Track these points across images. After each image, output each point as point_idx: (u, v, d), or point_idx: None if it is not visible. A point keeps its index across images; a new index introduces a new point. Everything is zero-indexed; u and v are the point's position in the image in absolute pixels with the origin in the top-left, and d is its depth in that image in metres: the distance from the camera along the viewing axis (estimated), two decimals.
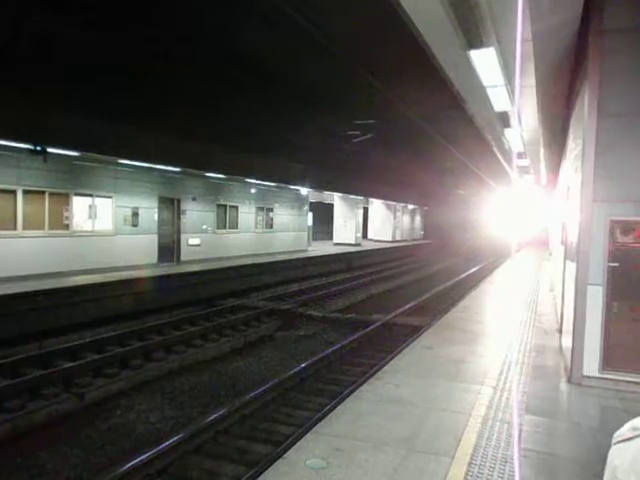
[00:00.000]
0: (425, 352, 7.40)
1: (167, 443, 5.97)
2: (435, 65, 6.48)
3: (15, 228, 13.43)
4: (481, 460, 4.07)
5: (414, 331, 11.72)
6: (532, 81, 7.44)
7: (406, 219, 45.29)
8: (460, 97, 8.04)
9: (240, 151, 17.16)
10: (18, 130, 11.60)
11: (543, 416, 5.09)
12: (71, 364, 8.91)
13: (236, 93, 11.40)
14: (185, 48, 9.13)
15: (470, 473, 3.85)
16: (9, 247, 13.16)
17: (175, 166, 17.18)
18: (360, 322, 13.12)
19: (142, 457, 5.65)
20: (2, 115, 10.72)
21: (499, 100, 8.18)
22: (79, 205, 15.28)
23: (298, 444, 4.33)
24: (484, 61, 6.25)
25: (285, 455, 4.13)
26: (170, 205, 18.89)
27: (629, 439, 1.79)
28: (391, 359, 7.35)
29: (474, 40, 5.58)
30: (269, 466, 4.03)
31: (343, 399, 6.09)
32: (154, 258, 17.92)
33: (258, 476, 3.90)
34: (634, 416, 1.87)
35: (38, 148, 12.96)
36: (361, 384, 6.56)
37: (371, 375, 6.76)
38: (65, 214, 14.90)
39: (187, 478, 5.72)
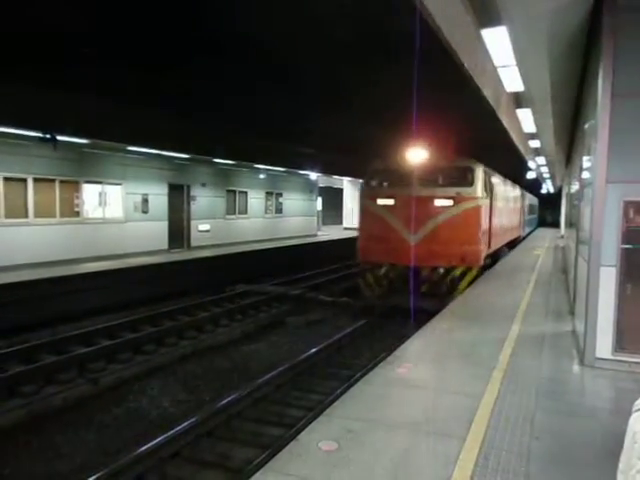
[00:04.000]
0: (437, 335, 7.40)
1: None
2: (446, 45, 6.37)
3: (27, 216, 13.54)
4: (493, 443, 4.07)
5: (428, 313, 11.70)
6: (544, 61, 7.31)
7: None
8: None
9: (246, 135, 17.02)
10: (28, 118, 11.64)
11: (556, 399, 5.07)
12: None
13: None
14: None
15: (482, 455, 3.85)
16: (21, 235, 13.28)
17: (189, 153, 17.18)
18: (371, 306, 13.13)
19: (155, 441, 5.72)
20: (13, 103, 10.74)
21: (511, 80, 8.04)
22: (89, 192, 15.36)
23: (310, 426, 4.36)
24: (496, 40, 6.13)
25: (298, 437, 4.15)
26: (180, 191, 18.94)
27: None
28: (402, 342, 7.35)
29: (485, 18, 5.47)
30: (282, 448, 4.06)
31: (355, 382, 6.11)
32: (164, 244, 18.02)
33: (271, 458, 3.92)
34: None
35: (48, 136, 13.00)
36: (372, 367, 6.57)
37: (382, 359, 6.76)
38: (75, 202, 14.99)
39: (201, 461, 5.78)
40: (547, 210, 50.85)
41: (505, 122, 12.56)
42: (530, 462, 3.79)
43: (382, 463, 3.72)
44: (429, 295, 12.02)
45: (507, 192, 18.81)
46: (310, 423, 4.54)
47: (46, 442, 6.26)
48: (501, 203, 16.30)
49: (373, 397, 5.00)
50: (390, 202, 12.38)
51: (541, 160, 22.38)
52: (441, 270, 12.07)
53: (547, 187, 44.65)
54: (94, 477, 5.02)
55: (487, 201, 12.99)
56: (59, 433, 6.49)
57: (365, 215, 13.04)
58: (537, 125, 12.89)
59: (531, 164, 24.90)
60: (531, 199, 36.24)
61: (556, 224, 44.55)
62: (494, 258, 15.72)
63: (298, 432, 4.37)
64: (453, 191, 12.03)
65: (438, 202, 12.01)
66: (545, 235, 35.20)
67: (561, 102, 10.11)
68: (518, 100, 10.51)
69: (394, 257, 12.16)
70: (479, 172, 12.40)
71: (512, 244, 21.88)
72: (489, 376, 5.63)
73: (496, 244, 15.25)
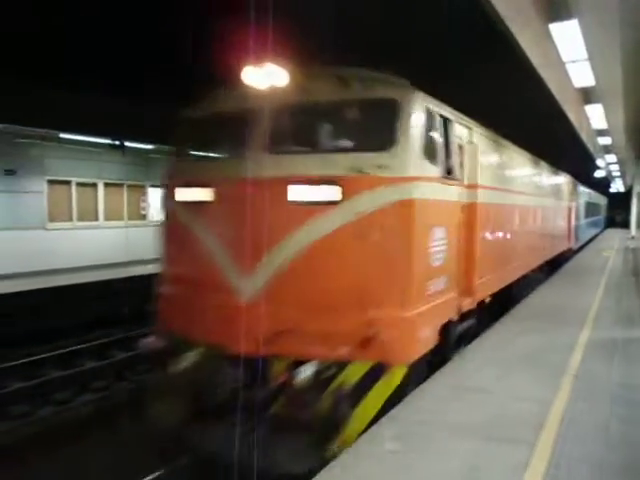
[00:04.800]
0: (503, 338, 7.20)
1: None
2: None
3: (97, 219, 14.22)
4: (564, 451, 3.91)
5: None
6: (617, 52, 6.99)
7: None
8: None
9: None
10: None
11: (631, 407, 4.82)
12: None
13: None
14: None
15: (553, 464, 3.71)
16: (91, 237, 13.92)
17: None
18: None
19: None
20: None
21: (580, 76, 7.73)
22: (154, 196, 15.95)
23: (374, 427, 4.34)
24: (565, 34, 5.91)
25: (362, 437, 4.15)
26: None
27: None
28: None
29: (554, 12, 5.29)
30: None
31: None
32: None
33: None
34: None
35: (117, 143, 13.63)
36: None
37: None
38: (142, 205, 15.62)
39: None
40: (616, 210, 48.52)
41: (573, 118, 12.08)
42: (604, 473, 3.62)
43: (447, 467, 3.66)
44: (290, 425, 4.83)
45: (530, 178, 11.10)
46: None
47: None
48: (513, 198, 9.15)
49: (437, 400, 4.93)
50: (202, 197, 5.54)
51: (611, 158, 21.35)
52: (312, 369, 4.73)
53: (616, 186, 42.62)
54: None
55: (455, 190, 6.11)
56: None
57: (167, 230, 6.15)
58: (608, 121, 12.32)
59: (600, 162, 23.80)
60: (593, 196, 29.74)
61: (626, 224, 42.40)
62: (504, 300, 8.90)
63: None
64: (345, 164, 4.92)
65: (303, 193, 4.99)
66: (614, 236, 33.53)
67: (634, 95, 9.61)
68: (587, 96, 10.08)
69: (209, 331, 5.25)
70: (415, 113, 5.14)
71: (552, 263, 14.64)
72: (558, 382, 5.42)
73: (496, 282, 8.05)
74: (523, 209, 10.04)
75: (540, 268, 12.59)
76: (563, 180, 16.25)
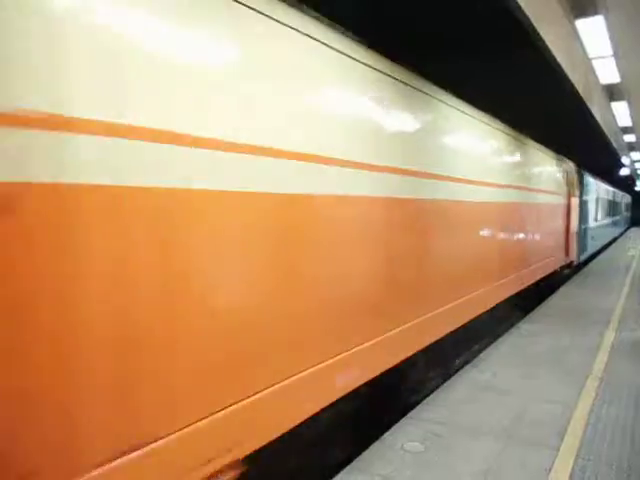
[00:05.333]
0: (525, 338, 7.12)
1: None
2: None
3: None
4: (590, 455, 3.86)
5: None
6: None
7: None
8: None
9: None
10: None
11: None
12: None
13: None
14: None
15: (577, 468, 3.67)
16: None
17: None
18: None
19: None
20: None
21: (605, 72, 7.60)
22: None
23: (395, 427, 4.33)
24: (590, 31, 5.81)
25: (382, 438, 4.15)
26: None
27: None
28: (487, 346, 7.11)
29: (580, 8, 5.21)
30: (366, 448, 4.05)
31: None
32: None
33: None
34: None
35: None
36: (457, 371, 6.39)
37: (467, 362, 6.58)
38: None
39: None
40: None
41: (597, 115, 11.88)
42: (631, 478, 3.56)
43: (469, 469, 3.64)
44: None
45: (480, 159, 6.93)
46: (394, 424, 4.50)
47: None
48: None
49: (458, 401, 4.90)
50: None
51: (636, 156, 20.95)
52: None
53: None
54: None
55: None
56: None
57: None
58: (632, 118, 12.08)
59: (625, 160, 23.36)
60: (610, 192, 24.50)
61: None
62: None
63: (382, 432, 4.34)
64: None
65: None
66: (636, 236, 32.92)
67: None
68: (612, 92, 9.90)
69: None
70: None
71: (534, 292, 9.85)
72: (582, 384, 5.35)
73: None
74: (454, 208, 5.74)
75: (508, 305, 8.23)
76: (557, 167, 11.37)
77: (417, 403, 4.91)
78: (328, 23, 3.61)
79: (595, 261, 17.19)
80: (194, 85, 2.56)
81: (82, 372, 2.11)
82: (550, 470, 3.63)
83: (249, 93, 2.90)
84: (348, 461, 3.77)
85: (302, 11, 3.33)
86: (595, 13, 5.39)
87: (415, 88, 4.83)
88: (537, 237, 9.68)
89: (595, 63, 7.17)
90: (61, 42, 2.00)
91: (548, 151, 10.70)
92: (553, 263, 11.11)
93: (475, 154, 6.62)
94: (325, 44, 3.54)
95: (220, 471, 2.69)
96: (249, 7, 2.86)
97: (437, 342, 5.27)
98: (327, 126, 3.59)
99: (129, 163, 2.25)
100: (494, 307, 7.15)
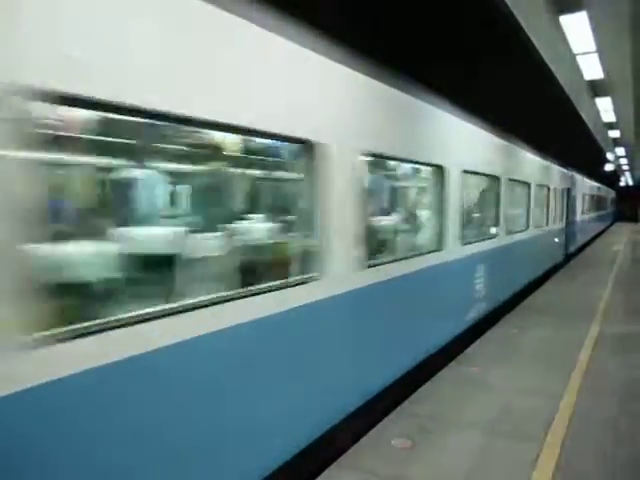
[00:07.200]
0: (511, 333, 7.17)
1: None
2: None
3: None
4: (575, 447, 3.89)
5: None
6: (626, 44, 6.91)
7: None
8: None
9: None
10: None
11: None
12: None
13: None
14: None
15: (563, 460, 3.70)
16: None
17: None
18: None
19: None
20: None
21: (589, 68, 7.66)
22: None
23: (383, 423, 4.34)
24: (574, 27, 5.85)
25: (370, 433, 4.15)
26: None
27: None
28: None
29: (564, 4, 5.24)
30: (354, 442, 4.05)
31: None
32: None
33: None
34: None
35: None
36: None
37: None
38: None
39: None
40: (624, 203, 48.30)
41: (582, 112, 11.99)
42: (615, 469, 3.60)
43: (457, 463, 3.66)
44: None
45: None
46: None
47: None
48: None
49: (445, 396, 4.92)
50: None
51: (620, 151, 21.20)
52: None
53: (626, 179, 42.41)
54: None
55: None
56: None
57: None
58: (616, 113, 12.21)
59: (609, 155, 23.63)
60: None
61: (635, 218, 42.23)
62: None
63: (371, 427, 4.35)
64: None
65: None
66: (621, 230, 33.30)
67: None
68: (596, 88, 9.98)
69: None
70: None
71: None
72: (568, 377, 5.39)
73: None
74: None
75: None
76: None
77: None
78: None
79: (581, 255, 17.37)
80: None
81: None
82: (536, 462, 3.66)
83: None
84: None
85: None
86: (579, 9, 5.43)
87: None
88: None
89: (580, 59, 7.22)
90: None
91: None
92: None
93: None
94: None
95: None
96: None
97: None
98: None
99: None
100: None
